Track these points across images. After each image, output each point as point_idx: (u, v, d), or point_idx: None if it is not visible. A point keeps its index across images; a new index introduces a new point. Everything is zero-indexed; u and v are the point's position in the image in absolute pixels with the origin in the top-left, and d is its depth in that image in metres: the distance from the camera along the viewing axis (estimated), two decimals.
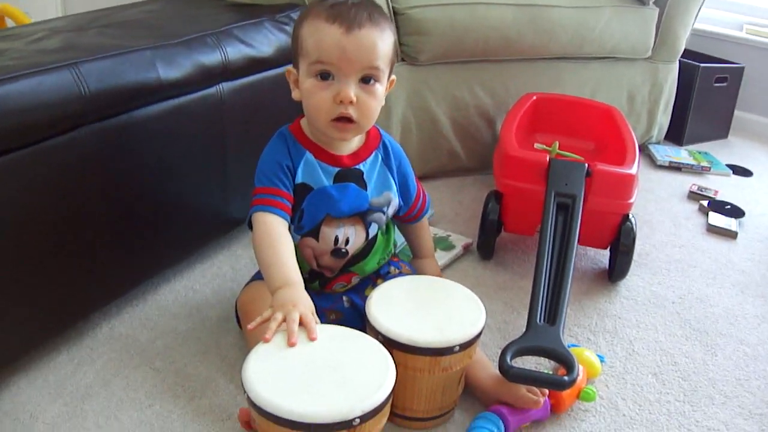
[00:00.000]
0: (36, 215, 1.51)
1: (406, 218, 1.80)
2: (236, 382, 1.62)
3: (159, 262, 1.94)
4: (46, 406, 1.56)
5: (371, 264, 1.73)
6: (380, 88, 1.51)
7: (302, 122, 1.62)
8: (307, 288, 1.47)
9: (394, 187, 1.68)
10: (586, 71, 2.80)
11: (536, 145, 2.41)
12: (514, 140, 2.12)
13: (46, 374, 1.65)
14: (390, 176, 1.67)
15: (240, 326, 1.72)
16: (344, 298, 1.73)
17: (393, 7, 2.39)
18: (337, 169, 1.60)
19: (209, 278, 2.03)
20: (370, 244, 1.69)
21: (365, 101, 1.48)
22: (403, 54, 2.46)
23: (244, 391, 1.25)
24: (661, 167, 3.00)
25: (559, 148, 2.35)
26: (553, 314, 1.60)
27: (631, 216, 1.99)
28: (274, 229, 1.50)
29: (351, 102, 1.46)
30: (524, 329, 1.59)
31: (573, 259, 1.73)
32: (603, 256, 2.19)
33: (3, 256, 1.47)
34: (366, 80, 1.48)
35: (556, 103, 2.55)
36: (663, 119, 3.13)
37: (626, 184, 1.96)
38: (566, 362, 1.49)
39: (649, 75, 2.96)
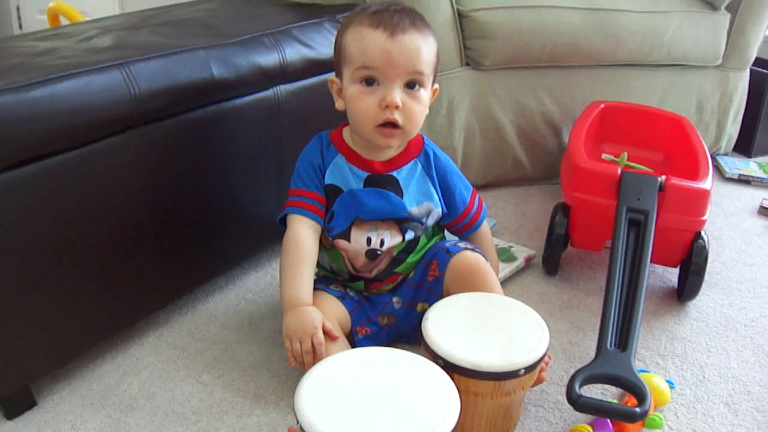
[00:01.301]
0: (84, 219, 1.45)
1: (453, 229, 1.72)
2: (287, 401, 1.53)
3: (211, 269, 1.86)
4: (88, 418, 1.49)
5: (410, 265, 1.67)
6: (425, 94, 1.50)
7: (344, 129, 1.62)
8: (351, 289, 1.62)
9: (436, 197, 1.63)
10: (655, 79, 2.67)
11: (604, 156, 2.30)
12: (583, 151, 2.00)
13: (90, 383, 1.58)
14: (431, 186, 1.63)
15: None
16: (394, 299, 1.67)
17: (458, 9, 2.30)
18: (366, 174, 1.58)
19: (263, 287, 1.94)
20: (412, 244, 1.64)
21: (411, 106, 1.47)
22: (468, 58, 2.37)
23: (297, 422, 1.14)
24: (730, 180, 2.83)
25: (627, 160, 2.25)
26: (624, 339, 1.49)
27: (703, 233, 1.87)
28: (300, 240, 1.54)
29: (397, 107, 1.45)
30: (592, 353, 1.49)
31: (646, 281, 1.61)
32: (671, 274, 2.05)
33: (51, 260, 1.42)
34: (411, 86, 1.47)
35: (625, 112, 2.43)
36: (732, 129, 2.98)
37: (700, 199, 1.84)
38: (638, 393, 1.37)
39: (719, 83, 2.82)
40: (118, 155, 1.47)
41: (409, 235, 1.61)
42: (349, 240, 1.60)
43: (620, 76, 2.59)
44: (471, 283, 1.56)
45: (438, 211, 1.63)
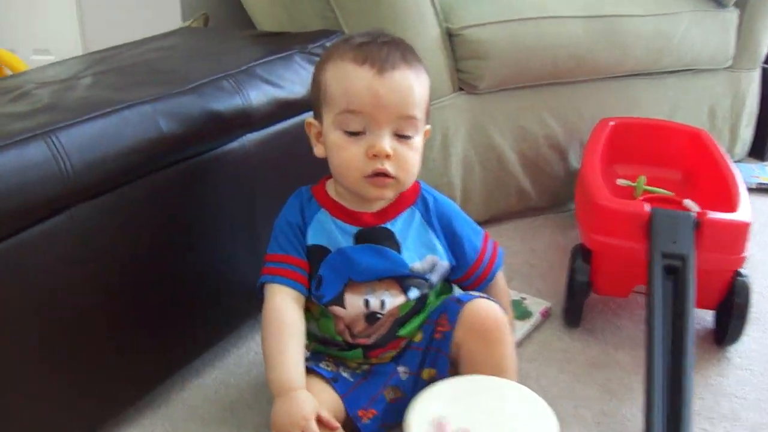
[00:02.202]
0: (18, 319, 1.21)
1: (464, 284, 1.49)
2: None
3: (185, 353, 1.61)
4: None
5: (415, 328, 1.45)
6: (418, 141, 1.33)
7: (327, 182, 1.43)
8: (345, 368, 1.43)
9: (440, 249, 1.42)
10: (664, 88, 2.50)
11: (619, 181, 2.08)
12: (601, 183, 1.78)
13: None
14: (434, 237, 1.41)
15: None
16: (400, 369, 1.43)
17: (447, 28, 2.11)
18: (357, 229, 1.38)
19: (245, 368, 1.69)
20: (419, 304, 1.42)
21: (403, 154, 1.29)
22: (461, 82, 2.17)
23: None
24: (749, 191, 2.57)
25: (645, 183, 2.04)
26: (675, 428, 1.27)
27: (743, 271, 1.65)
28: (281, 314, 1.35)
29: (387, 156, 1.27)
30: (630, 424, 1.41)
31: (692, 343, 1.39)
32: (705, 312, 1.80)
33: None
34: (402, 135, 1.29)
35: (637, 129, 2.24)
36: (746, 134, 2.83)
37: (740, 235, 1.62)
38: None
39: (731, 86, 2.68)
40: (52, 243, 1.23)
41: (413, 293, 1.39)
42: (344, 306, 1.38)
43: (628, 87, 2.43)
44: (485, 339, 1.35)
45: (445, 264, 1.42)
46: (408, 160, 1.30)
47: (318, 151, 1.37)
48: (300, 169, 1.50)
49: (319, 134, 1.35)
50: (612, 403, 1.55)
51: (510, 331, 1.39)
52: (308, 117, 1.39)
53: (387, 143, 1.26)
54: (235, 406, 1.56)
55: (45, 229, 1.21)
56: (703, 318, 1.80)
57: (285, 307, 1.35)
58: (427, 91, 1.33)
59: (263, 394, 1.52)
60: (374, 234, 1.38)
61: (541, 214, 2.39)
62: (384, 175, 1.28)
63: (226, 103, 1.49)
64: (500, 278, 1.50)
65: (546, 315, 1.84)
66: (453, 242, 1.43)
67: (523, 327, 1.76)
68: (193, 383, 1.63)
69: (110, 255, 1.34)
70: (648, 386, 1.33)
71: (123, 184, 1.32)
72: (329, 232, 1.38)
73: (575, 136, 2.33)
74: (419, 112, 1.29)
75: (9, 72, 2.81)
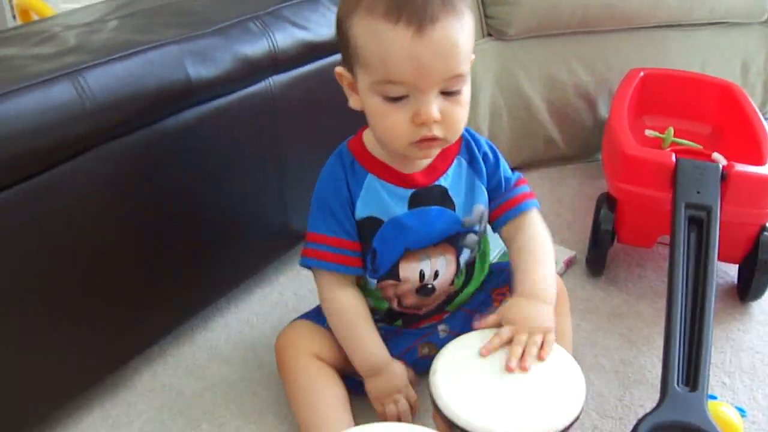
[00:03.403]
0: (51, 256, 1.24)
1: (492, 208, 1.35)
2: None
3: (210, 292, 1.64)
4: None
5: (465, 296, 1.41)
6: (467, 91, 1.14)
7: (365, 134, 1.29)
8: (387, 326, 1.39)
9: (485, 195, 1.31)
10: (696, 40, 2.42)
11: (647, 132, 2.04)
12: (628, 133, 1.74)
13: None
14: (478, 182, 1.30)
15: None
16: (440, 327, 1.41)
17: None
18: (410, 191, 1.26)
19: (268, 308, 1.70)
20: (467, 277, 1.38)
21: (452, 113, 1.12)
22: (490, 28, 2.14)
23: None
24: None
25: (673, 135, 2.00)
26: (693, 375, 1.25)
27: None
28: (346, 304, 1.30)
29: (435, 121, 1.10)
30: (648, 374, 1.41)
31: (714, 296, 1.35)
32: (729, 267, 1.78)
33: (18, 300, 1.22)
34: (448, 92, 1.11)
35: (667, 81, 2.17)
36: None
37: None
38: None
39: (765, 41, 2.57)
40: (78, 181, 1.24)
41: (464, 255, 1.33)
42: (398, 279, 1.32)
43: (658, 39, 2.35)
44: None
45: (486, 210, 1.34)
46: (457, 118, 1.14)
47: (353, 103, 1.21)
48: (326, 111, 1.49)
49: (352, 85, 1.19)
50: (631, 353, 1.54)
51: (566, 294, 1.38)
52: (338, 67, 1.21)
53: (434, 109, 1.10)
54: (257, 346, 1.58)
55: (71, 168, 1.22)
56: (726, 273, 1.79)
57: (348, 297, 1.30)
58: (473, 33, 1.14)
59: None
60: (429, 195, 1.27)
61: (569, 163, 2.36)
62: (432, 138, 1.15)
63: (253, 44, 1.47)
64: (537, 219, 1.35)
65: (570, 264, 1.83)
66: (492, 177, 1.33)
67: None
68: (217, 322, 1.66)
69: (136, 195, 1.35)
70: (667, 335, 1.31)
71: (148, 124, 1.33)
72: (381, 201, 1.26)
73: (604, 86, 2.29)
74: (466, 65, 1.12)
75: (37, 18, 2.81)
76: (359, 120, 1.26)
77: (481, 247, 1.38)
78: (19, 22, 2.97)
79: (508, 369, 1.09)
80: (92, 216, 1.28)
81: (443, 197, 1.28)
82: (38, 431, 1.38)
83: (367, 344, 1.29)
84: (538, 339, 1.12)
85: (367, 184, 1.25)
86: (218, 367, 1.53)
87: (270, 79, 1.53)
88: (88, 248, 1.30)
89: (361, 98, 1.17)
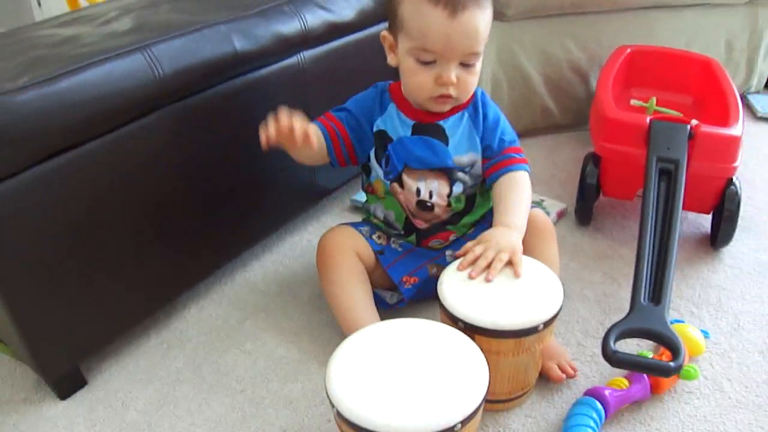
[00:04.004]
0: (118, 202, 1.45)
1: (485, 168, 1.57)
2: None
3: (248, 238, 1.86)
4: (138, 393, 1.51)
5: (469, 222, 1.65)
6: (479, 65, 1.46)
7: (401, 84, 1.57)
8: (405, 242, 1.64)
9: (479, 147, 1.57)
10: (681, 20, 2.55)
11: (632, 102, 2.24)
12: (611, 100, 1.95)
13: (137, 359, 1.60)
14: (475, 135, 1.56)
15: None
16: (447, 252, 1.66)
17: None
18: (413, 122, 1.56)
19: (299, 252, 1.94)
20: (468, 205, 1.62)
21: (465, 79, 1.45)
22: None
23: (332, 405, 1.13)
24: (763, 119, 2.72)
25: (656, 104, 2.19)
26: (657, 293, 1.46)
27: (735, 179, 1.82)
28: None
29: (452, 84, 1.42)
30: (627, 304, 1.47)
31: (678, 232, 1.57)
32: (704, 220, 2.01)
33: (89, 245, 1.42)
34: (465, 64, 1.43)
35: (652, 56, 2.36)
36: (763, 67, 2.84)
37: (731, 146, 1.78)
38: (673, 347, 1.35)
39: (748, 21, 2.68)
40: (147, 137, 1.45)
41: (457, 186, 1.57)
42: (402, 186, 1.59)
43: (646, 19, 2.50)
44: (541, 238, 1.56)
45: (480, 161, 1.58)
46: (468, 83, 1.46)
47: (391, 60, 1.51)
48: (348, 81, 1.70)
49: (393, 47, 1.48)
50: (612, 287, 1.76)
51: (555, 236, 1.60)
52: (383, 31, 1.50)
53: (453, 75, 1.41)
54: (290, 282, 1.80)
55: (142, 125, 1.43)
56: (701, 225, 1.99)
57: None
58: (490, 22, 1.44)
59: (313, 273, 1.74)
60: (428, 128, 1.55)
61: (563, 131, 2.56)
62: (447, 96, 1.46)
63: (287, 24, 1.68)
64: (522, 179, 1.53)
65: (561, 215, 2.05)
66: (486, 136, 1.55)
67: None
68: (254, 264, 1.89)
69: (191, 150, 1.56)
70: (638, 259, 1.52)
71: (204, 90, 1.54)
72: (393, 122, 1.56)
73: (595, 61, 2.44)
74: (482, 46, 1.42)
75: (85, 3, 2.97)
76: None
77: (485, 186, 1.61)
78: (67, 8, 3.13)
79: (471, 277, 1.35)
80: (155, 167, 1.49)
81: (439, 134, 1.55)
82: (105, 354, 1.61)
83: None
84: (504, 256, 1.37)
85: (389, 110, 1.57)
86: (257, 299, 1.76)
87: (301, 54, 1.75)
88: (151, 196, 1.51)
89: (399, 58, 1.47)
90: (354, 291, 1.56)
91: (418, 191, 1.58)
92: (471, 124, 1.56)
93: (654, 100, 2.19)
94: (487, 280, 1.34)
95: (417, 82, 1.46)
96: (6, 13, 3.33)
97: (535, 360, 1.39)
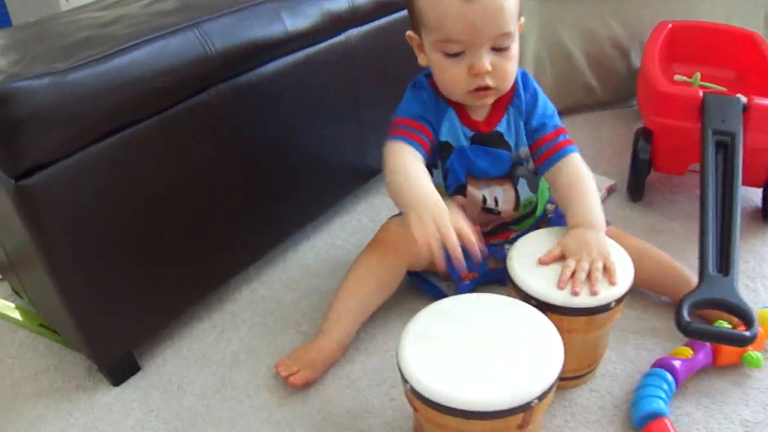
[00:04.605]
0: (170, 183, 1.39)
1: (537, 163, 1.44)
2: (387, 345, 1.49)
3: (298, 219, 1.80)
4: (194, 377, 1.46)
5: (530, 222, 1.56)
6: (515, 48, 1.30)
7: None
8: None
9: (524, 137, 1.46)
10: None
11: (676, 77, 2.14)
12: (660, 74, 1.87)
13: (191, 343, 1.55)
14: (523, 125, 1.44)
15: None
16: (506, 246, 1.53)
17: None
18: (473, 133, 1.43)
19: (349, 232, 1.87)
20: (529, 210, 1.54)
21: (501, 66, 1.29)
22: None
23: (405, 381, 1.07)
24: None
25: (700, 79, 2.10)
26: (725, 264, 1.39)
27: None
28: (408, 158, 1.31)
29: (487, 72, 1.27)
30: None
31: (739, 203, 1.49)
32: (754, 194, 1.91)
33: (141, 229, 1.36)
34: (498, 49, 1.27)
35: (693, 31, 2.26)
36: None
37: None
38: (746, 317, 1.29)
39: None
40: (199, 115, 1.39)
41: (522, 185, 1.48)
42: (465, 196, 1.48)
43: None
44: None
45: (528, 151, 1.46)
46: (506, 70, 1.29)
47: (421, 60, 1.37)
48: (396, 59, 1.62)
49: (420, 45, 1.35)
50: None
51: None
52: (409, 31, 1.38)
53: (486, 62, 1.25)
54: (342, 262, 1.71)
55: (195, 103, 1.37)
56: (751, 198, 1.91)
57: (411, 154, 1.32)
58: None
59: None
60: (487, 139, 1.42)
61: (606, 108, 2.47)
62: (485, 87, 1.31)
63: (336, 1, 1.62)
64: (577, 160, 1.41)
65: (611, 191, 1.97)
66: (529, 119, 1.43)
67: None
68: (305, 245, 1.82)
69: (242, 129, 1.50)
70: (702, 231, 1.44)
71: (254, 68, 1.48)
72: (455, 132, 1.41)
73: (636, 37, 2.36)
74: (513, 25, 1.26)
75: None
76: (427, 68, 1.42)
77: (539, 184, 1.53)
78: None
79: (575, 293, 1.20)
80: (208, 146, 1.43)
81: (500, 141, 1.43)
82: (158, 338, 1.56)
83: (423, 180, 1.25)
84: (599, 264, 1.24)
85: (448, 115, 1.41)
86: (310, 280, 1.69)
87: (349, 31, 1.68)
88: (203, 177, 1.45)
89: (427, 56, 1.34)
90: (359, 294, 1.47)
91: (484, 199, 1.48)
92: (518, 117, 1.43)
93: (698, 75, 2.10)
94: (594, 293, 1.20)
95: (449, 78, 1.32)
96: (34, 4, 3.27)
97: (604, 337, 1.34)
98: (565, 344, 1.15)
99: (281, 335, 1.53)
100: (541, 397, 1.02)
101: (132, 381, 1.46)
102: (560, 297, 1.20)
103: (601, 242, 1.27)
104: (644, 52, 2.09)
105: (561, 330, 1.16)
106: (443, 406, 1.01)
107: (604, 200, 1.90)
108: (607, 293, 1.21)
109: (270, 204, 1.65)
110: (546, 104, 1.45)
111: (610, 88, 2.46)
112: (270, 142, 1.59)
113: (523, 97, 1.43)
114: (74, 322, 1.32)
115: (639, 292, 1.55)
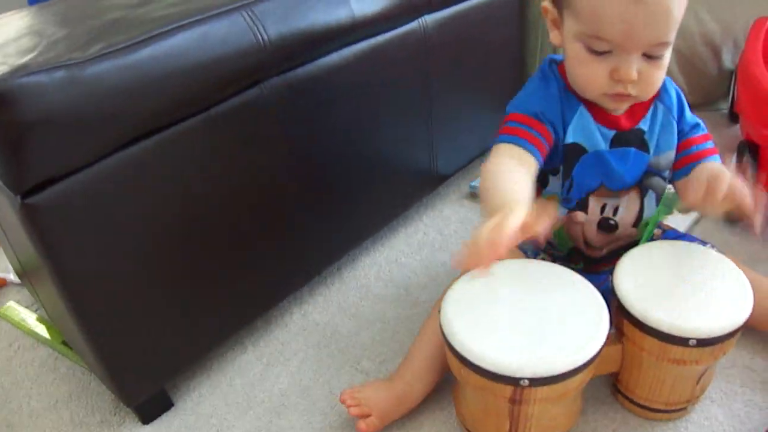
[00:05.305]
0: (212, 196, 1.17)
1: (677, 166, 1.22)
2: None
3: (357, 231, 1.55)
4: (234, 420, 1.22)
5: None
6: (667, 56, 1.07)
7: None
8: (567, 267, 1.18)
9: (675, 142, 1.21)
10: None
11: None
12: None
13: (231, 377, 1.32)
14: (674, 127, 1.20)
15: None
16: (611, 276, 1.25)
17: None
18: (613, 132, 1.17)
19: (415, 247, 1.60)
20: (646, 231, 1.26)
21: (649, 75, 1.06)
22: None
23: (446, 340, 1.00)
24: None
25: None
26: None
27: None
28: (507, 162, 1.08)
29: (631, 81, 1.05)
30: None
31: None
32: None
33: (176, 248, 1.15)
34: (650, 56, 1.04)
35: None
36: None
37: None
38: None
39: None
40: (247, 115, 1.16)
41: (649, 197, 1.23)
42: (586, 211, 1.22)
43: None
44: None
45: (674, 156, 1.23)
46: (653, 80, 1.08)
47: (554, 38, 1.15)
48: (474, 51, 1.41)
49: (557, 22, 1.13)
50: None
51: None
52: (545, 1, 1.14)
53: (633, 70, 1.04)
54: (408, 284, 1.48)
55: (244, 100, 1.15)
56: None
57: (508, 165, 1.08)
58: (686, 2, 1.05)
59: (435, 274, 1.45)
60: (628, 137, 1.18)
61: (693, 110, 2.19)
62: (624, 94, 1.09)
63: None
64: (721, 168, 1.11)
65: None
66: (679, 124, 1.22)
67: (686, 220, 1.62)
68: (365, 262, 1.57)
69: (298, 129, 1.28)
70: None
71: (315, 59, 1.24)
72: (589, 132, 1.17)
73: (729, 34, 2.12)
74: (674, 34, 1.04)
75: None
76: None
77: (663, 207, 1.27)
78: None
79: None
80: (257, 152, 1.21)
81: (641, 140, 1.18)
82: (194, 369, 1.33)
83: (517, 186, 1.02)
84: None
85: (579, 114, 1.16)
86: (371, 305, 1.44)
87: (423, 17, 1.44)
88: (251, 187, 1.23)
89: (564, 40, 1.11)
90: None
91: (603, 208, 1.22)
92: (667, 114, 1.19)
93: None
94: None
95: (586, 75, 1.09)
96: None
97: (688, 380, 1.14)
98: (637, 361, 1.11)
99: (338, 373, 1.29)
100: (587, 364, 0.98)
101: (164, 419, 1.24)
102: (639, 306, 1.07)
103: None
104: (745, 53, 1.82)
105: (633, 343, 1.09)
106: (485, 370, 0.97)
107: (698, 220, 1.63)
108: (686, 325, 1.04)
109: (326, 215, 1.42)
110: (690, 112, 1.25)
111: (698, 89, 2.20)
112: (327, 144, 1.36)
113: (672, 94, 1.20)
114: (98, 360, 1.13)
115: (748, 333, 1.27)
